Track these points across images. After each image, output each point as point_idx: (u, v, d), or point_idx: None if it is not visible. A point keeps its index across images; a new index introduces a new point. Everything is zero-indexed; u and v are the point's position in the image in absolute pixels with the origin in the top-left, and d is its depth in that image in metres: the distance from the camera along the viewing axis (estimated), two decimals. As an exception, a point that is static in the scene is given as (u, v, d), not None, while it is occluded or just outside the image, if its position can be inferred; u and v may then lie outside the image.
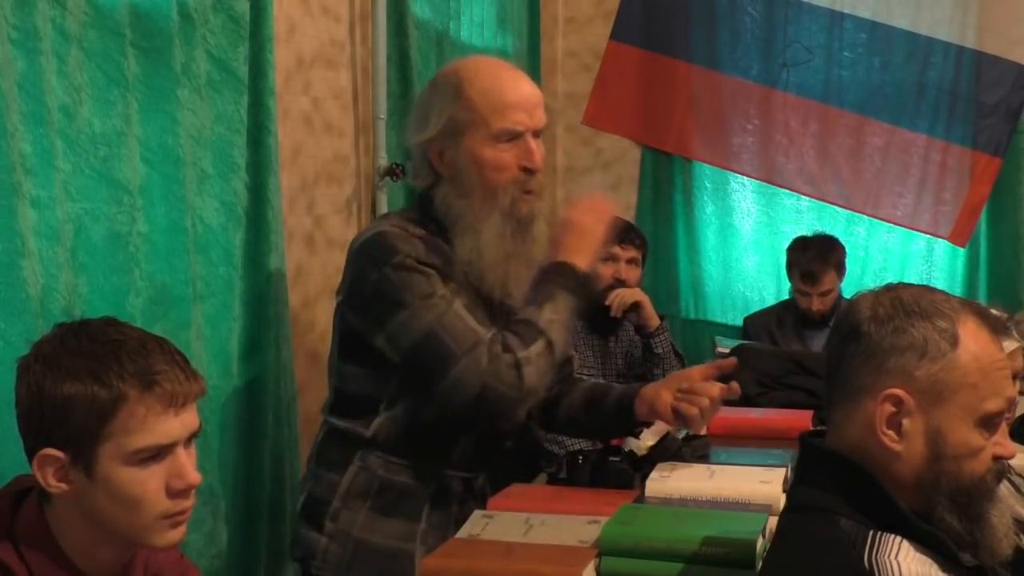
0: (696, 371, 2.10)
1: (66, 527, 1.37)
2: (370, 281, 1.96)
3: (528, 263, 2.04)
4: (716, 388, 2.03)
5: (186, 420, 1.38)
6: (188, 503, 1.40)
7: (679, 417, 2.04)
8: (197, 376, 1.41)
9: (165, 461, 1.37)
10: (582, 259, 2.01)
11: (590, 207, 2.08)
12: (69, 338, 1.36)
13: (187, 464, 1.39)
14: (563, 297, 1.97)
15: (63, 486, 1.34)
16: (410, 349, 1.93)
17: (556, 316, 1.95)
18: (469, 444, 2.08)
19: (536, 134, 2.01)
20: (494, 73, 2.02)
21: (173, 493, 1.37)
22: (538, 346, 1.92)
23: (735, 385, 2.06)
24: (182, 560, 1.58)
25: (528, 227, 2.02)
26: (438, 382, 1.91)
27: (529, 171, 2.00)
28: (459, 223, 2.01)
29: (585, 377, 3.16)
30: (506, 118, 1.97)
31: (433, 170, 2.03)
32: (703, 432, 2.19)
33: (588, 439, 2.41)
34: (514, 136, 1.98)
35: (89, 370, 1.33)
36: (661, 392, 2.06)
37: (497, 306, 2.08)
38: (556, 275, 1.99)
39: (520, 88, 2.01)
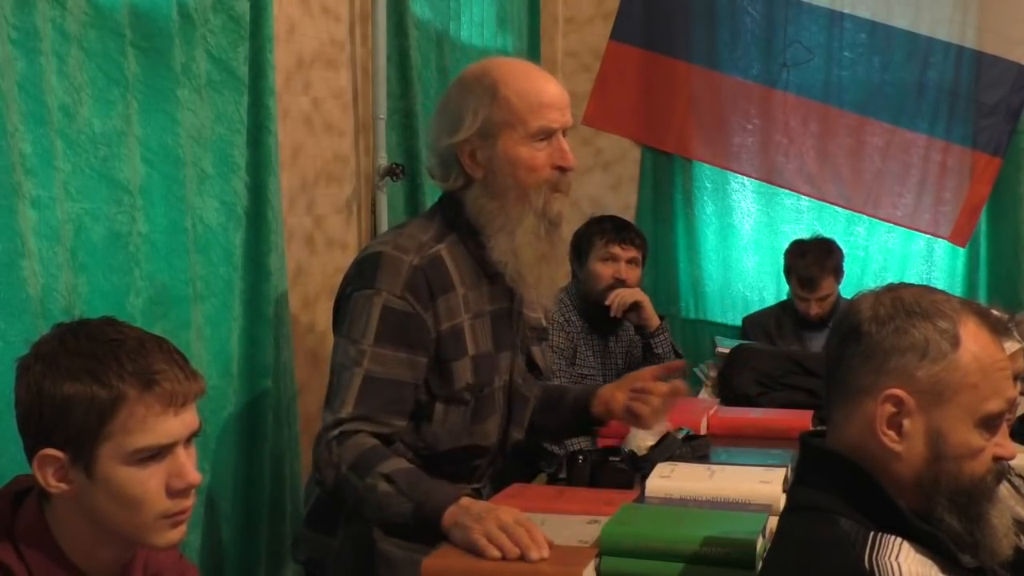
0: (647, 371, 2.19)
1: (66, 527, 1.37)
2: (344, 294, 2.02)
3: (558, 264, 2.07)
4: (665, 386, 2.11)
5: (186, 420, 1.38)
6: (188, 503, 1.40)
7: (631, 415, 2.12)
8: (197, 376, 1.41)
9: (165, 461, 1.37)
10: (450, 515, 1.72)
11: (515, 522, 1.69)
12: (68, 338, 1.36)
13: (187, 464, 1.39)
14: (410, 500, 1.78)
15: (63, 486, 1.34)
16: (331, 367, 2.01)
17: (391, 490, 1.79)
18: (478, 460, 2.10)
19: (565, 133, 2.02)
20: (527, 74, 2.02)
21: (173, 493, 1.37)
22: (363, 474, 1.82)
23: (679, 383, 2.15)
24: (181, 560, 1.58)
25: (558, 226, 2.03)
26: (325, 405, 1.96)
27: (562, 170, 2.00)
28: (492, 224, 2.00)
29: (587, 375, 3.20)
30: (543, 117, 1.97)
31: (464, 172, 2.02)
32: (667, 429, 2.25)
33: (546, 440, 2.44)
34: (549, 134, 1.98)
35: (88, 370, 1.33)
36: (616, 392, 2.15)
37: (515, 317, 2.10)
38: (438, 497, 1.76)
39: (552, 88, 2.02)
